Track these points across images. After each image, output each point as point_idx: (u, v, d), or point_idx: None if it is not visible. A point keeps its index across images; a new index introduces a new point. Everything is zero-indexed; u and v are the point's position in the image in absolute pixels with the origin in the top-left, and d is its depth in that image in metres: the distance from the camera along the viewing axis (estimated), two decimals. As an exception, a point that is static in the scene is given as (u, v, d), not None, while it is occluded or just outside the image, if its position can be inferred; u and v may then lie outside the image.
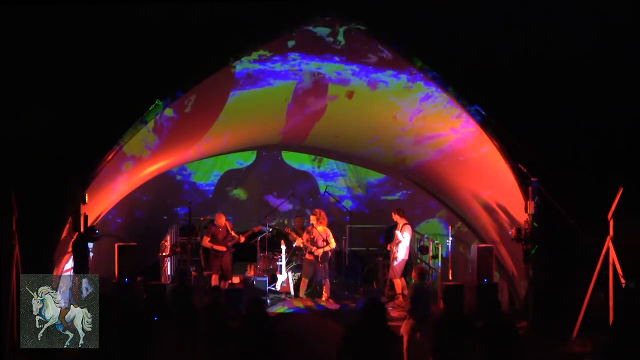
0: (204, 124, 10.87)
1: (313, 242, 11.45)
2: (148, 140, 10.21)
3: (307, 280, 11.56)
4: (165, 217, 13.94)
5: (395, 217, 11.79)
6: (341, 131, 12.00)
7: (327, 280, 11.61)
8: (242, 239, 11.77)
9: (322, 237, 11.41)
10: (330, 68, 9.98)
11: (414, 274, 8.70)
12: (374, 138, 11.91)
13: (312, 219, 11.61)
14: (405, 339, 8.13)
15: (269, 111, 11.21)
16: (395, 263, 11.54)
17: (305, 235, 11.59)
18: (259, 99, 10.52)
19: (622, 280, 8.52)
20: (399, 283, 11.58)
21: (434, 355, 6.59)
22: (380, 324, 6.05)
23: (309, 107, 10.97)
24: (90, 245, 9.50)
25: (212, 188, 14.84)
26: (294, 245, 12.07)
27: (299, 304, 11.34)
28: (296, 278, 12.13)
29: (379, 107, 10.80)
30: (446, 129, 10.55)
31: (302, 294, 11.57)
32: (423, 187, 13.49)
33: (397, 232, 11.53)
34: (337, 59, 9.71)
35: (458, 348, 6.38)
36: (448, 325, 6.60)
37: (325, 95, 10.59)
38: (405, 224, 11.64)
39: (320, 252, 11.37)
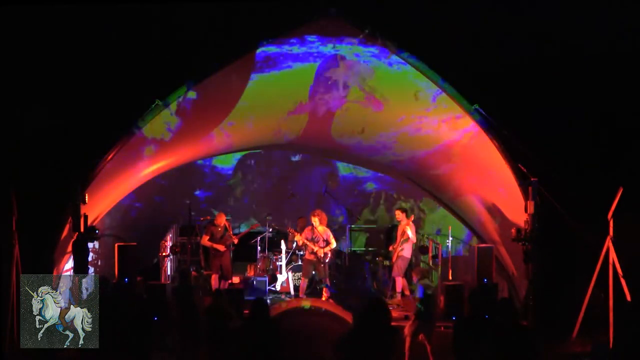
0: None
1: (314, 241, 11.45)
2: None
3: (307, 280, 11.56)
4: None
5: (400, 216, 11.78)
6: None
7: (327, 280, 11.60)
8: (236, 240, 11.78)
9: (323, 237, 11.41)
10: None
11: (414, 276, 8.69)
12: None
13: (313, 219, 11.60)
14: (408, 339, 8.12)
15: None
16: (400, 261, 11.53)
17: (306, 234, 11.59)
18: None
19: (622, 281, 8.53)
20: (400, 281, 11.58)
21: (455, 355, 6.59)
22: (384, 323, 6.06)
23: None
24: (90, 245, 9.50)
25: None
26: (294, 242, 12.03)
27: (299, 304, 11.32)
28: (296, 278, 12.14)
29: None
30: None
31: (302, 294, 11.56)
32: (421, 186, 13.49)
33: (407, 228, 11.49)
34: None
35: (479, 348, 6.38)
36: (472, 325, 6.61)
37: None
38: (409, 223, 11.63)
39: (321, 252, 11.37)
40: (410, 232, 11.48)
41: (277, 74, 10.17)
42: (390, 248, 11.84)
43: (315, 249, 11.34)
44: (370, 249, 13.90)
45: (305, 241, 11.48)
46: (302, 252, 12.05)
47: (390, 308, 11.10)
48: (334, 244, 11.59)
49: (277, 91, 10.74)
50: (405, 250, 11.51)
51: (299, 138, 12.56)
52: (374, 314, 6.09)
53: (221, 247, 11.51)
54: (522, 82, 9.40)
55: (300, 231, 11.82)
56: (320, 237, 11.40)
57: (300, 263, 12.21)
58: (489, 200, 11.35)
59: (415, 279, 8.65)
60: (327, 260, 11.56)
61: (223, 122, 11.13)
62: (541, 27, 9.28)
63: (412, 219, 11.83)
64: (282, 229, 13.02)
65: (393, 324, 9.58)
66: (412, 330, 8.13)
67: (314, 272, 11.51)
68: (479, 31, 9.21)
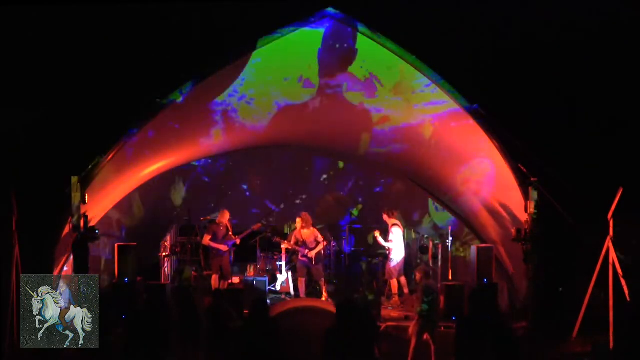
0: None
1: (304, 244, 11.42)
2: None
3: (303, 280, 11.56)
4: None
5: (385, 218, 11.81)
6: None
7: (322, 280, 11.61)
8: (238, 241, 11.77)
9: (310, 240, 11.42)
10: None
11: (418, 275, 8.69)
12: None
13: (298, 222, 11.61)
14: (413, 340, 8.12)
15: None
16: (390, 264, 11.56)
17: (292, 239, 11.58)
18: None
19: (622, 281, 8.52)
20: (395, 284, 11.58)
21: (457, 356, 6.62)
22: (357, 324, 6.13)
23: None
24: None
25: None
26: (283, 247, 12.01)
27: (299, 304, 11.32)
28: (296, 278, 12.14)
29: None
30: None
31: (302, 294, 11.56)
32: (421, 185, 13.49)
33: (378, 236, 11.55)
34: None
35: (480, 349, 6.39)
36: (473, 326, 6.63)
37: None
38: (394, 224, 11.64)
39: (313, 254, 11.37)
40: (393, 237, 11.47)
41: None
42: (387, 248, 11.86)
43: (306, 251, 11.35)
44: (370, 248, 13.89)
45: (294, 246, 11.48)
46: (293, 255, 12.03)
47: (390, 308, 11.19)
48: (323, 243, 11.56)
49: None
50: (393, 253, 11.52)
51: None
52: (352, 310, 6.16)
53: (224, 247, 11.50)
54: (522, 81, 9.39)
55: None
56: (308, 238, 11.41)
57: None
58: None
59: (418, 277, 8.64)
60: (321, 259, 11.57)
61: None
62: (543, 24, 9.27)
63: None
64: (282, 230, 13.03)
65: (390, 324, 9.69)
66: (417, 330, 8.12)
67: (308, 273, 11.53)
68: (477, 28, 9.19)
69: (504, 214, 10.91)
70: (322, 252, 11.62)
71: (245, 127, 11.73)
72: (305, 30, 9.57)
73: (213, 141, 11.88)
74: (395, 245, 11.53)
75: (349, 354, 6.25)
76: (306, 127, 12.01)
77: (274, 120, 11.69)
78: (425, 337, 8.13)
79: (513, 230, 9.60)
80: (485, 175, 11.18)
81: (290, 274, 12.24)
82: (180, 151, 11.90)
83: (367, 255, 13.20)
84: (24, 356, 7.76)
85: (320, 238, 11.48)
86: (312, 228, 11.55)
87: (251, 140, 12.72)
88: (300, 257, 11.48)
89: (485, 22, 9.20)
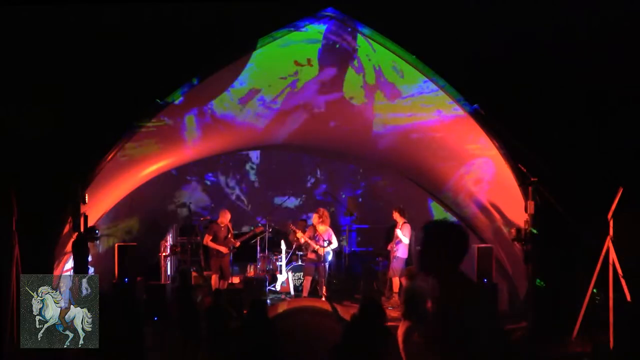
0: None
1: (315, 240, 11.45)
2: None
3: (310, 279, 11.56)
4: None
5: (396, 216, 11.82)
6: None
7: (324, 279, 11.62)
8: (237, 244, 11.77)
9: (324, 237, 11.43)
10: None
11: (404, 277, 8.71)
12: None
13: (315, 217, 11.61)
14: (400, 340, 8.13)
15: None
16: (395, 262, 11.58)
17: (307, 233, 11.60)
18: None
19: (622, 281, 8.52)
20: (397, 282, 11.60)
21: None
22: (378, 324, 6.11)
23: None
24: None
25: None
26: (300, 240, 11.94)
27: (300, 303, 11.32)
28: (296, 278, 12.14)
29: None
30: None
31: (306, 293, 11.55)
32: (421, 185, 13.49)
33: (397, 231, 11.58)
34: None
35: None
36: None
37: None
38: (404, 222, 11.67)
39: (323, 251, 11.37)
40: (401, 234, 11.51)
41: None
42: (389, 247, 11.88)
43: (317, 247, 11.35)
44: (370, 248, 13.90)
45: (307, 240, 11.49)
46: (301, 253, 12.05)
47: (391, 308, 11.19)
48: (335, 244, 11.61)
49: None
50: (400, 251, 11.54)
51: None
52: (367, 315, 6.15)
53: (224, 249, 11.49)
54: (522, 81, 9.39)
55: (302, 229, 11.84)
56: (321, 236, 11.42)
57: (300, 263, 12.22)
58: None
59: (403, 280, 8.66)
60: (327, 260, 11.58)
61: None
62: (543, 22, 9.26)
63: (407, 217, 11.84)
64: (282, 229, 13.03)
65: (390, 324, 9.69)
66: (404, 331, 8.13)
67: (315, 271, 11.53)
68: (477, 28, 9.19)
69: (503, 214, 10.91)
70: (331, 252, 11.66)
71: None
72: (305, 30, 9.56)
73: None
74: (405, 243, 11.57)
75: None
76: (305, 128, 12.02)
77: (271, 121, 11.66)
78: (415, 337, 8.12)
79: (513, 230, 9.60)
80: (489, 175, 11.20)
81: (290, 274, 12.24)
82: (177, 149, 11.86)
83: (367, 255, 13.22)
84: (24, 356, 7.76)
85: (332, 239, 11.51)
86: (326, 226, 11.58)
87: (246, 139, 12.71)
88: (310, 254, 11.49)
89: (485, 22, 9.19)
